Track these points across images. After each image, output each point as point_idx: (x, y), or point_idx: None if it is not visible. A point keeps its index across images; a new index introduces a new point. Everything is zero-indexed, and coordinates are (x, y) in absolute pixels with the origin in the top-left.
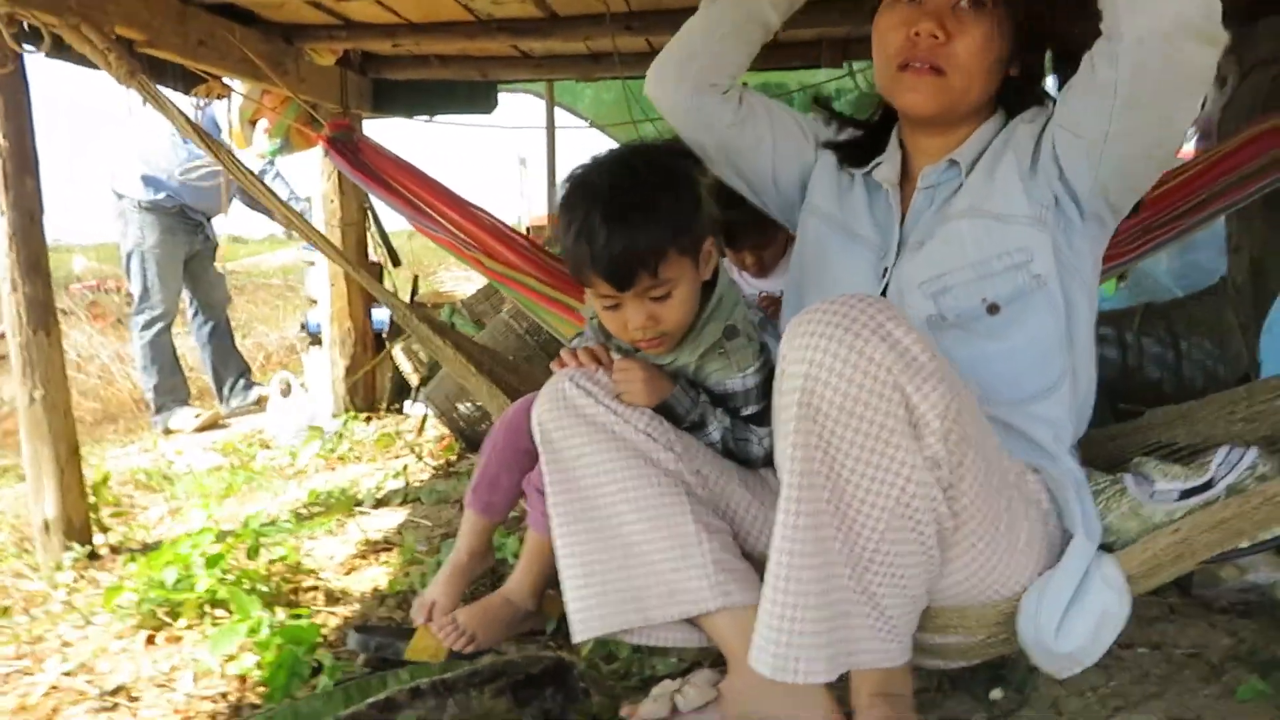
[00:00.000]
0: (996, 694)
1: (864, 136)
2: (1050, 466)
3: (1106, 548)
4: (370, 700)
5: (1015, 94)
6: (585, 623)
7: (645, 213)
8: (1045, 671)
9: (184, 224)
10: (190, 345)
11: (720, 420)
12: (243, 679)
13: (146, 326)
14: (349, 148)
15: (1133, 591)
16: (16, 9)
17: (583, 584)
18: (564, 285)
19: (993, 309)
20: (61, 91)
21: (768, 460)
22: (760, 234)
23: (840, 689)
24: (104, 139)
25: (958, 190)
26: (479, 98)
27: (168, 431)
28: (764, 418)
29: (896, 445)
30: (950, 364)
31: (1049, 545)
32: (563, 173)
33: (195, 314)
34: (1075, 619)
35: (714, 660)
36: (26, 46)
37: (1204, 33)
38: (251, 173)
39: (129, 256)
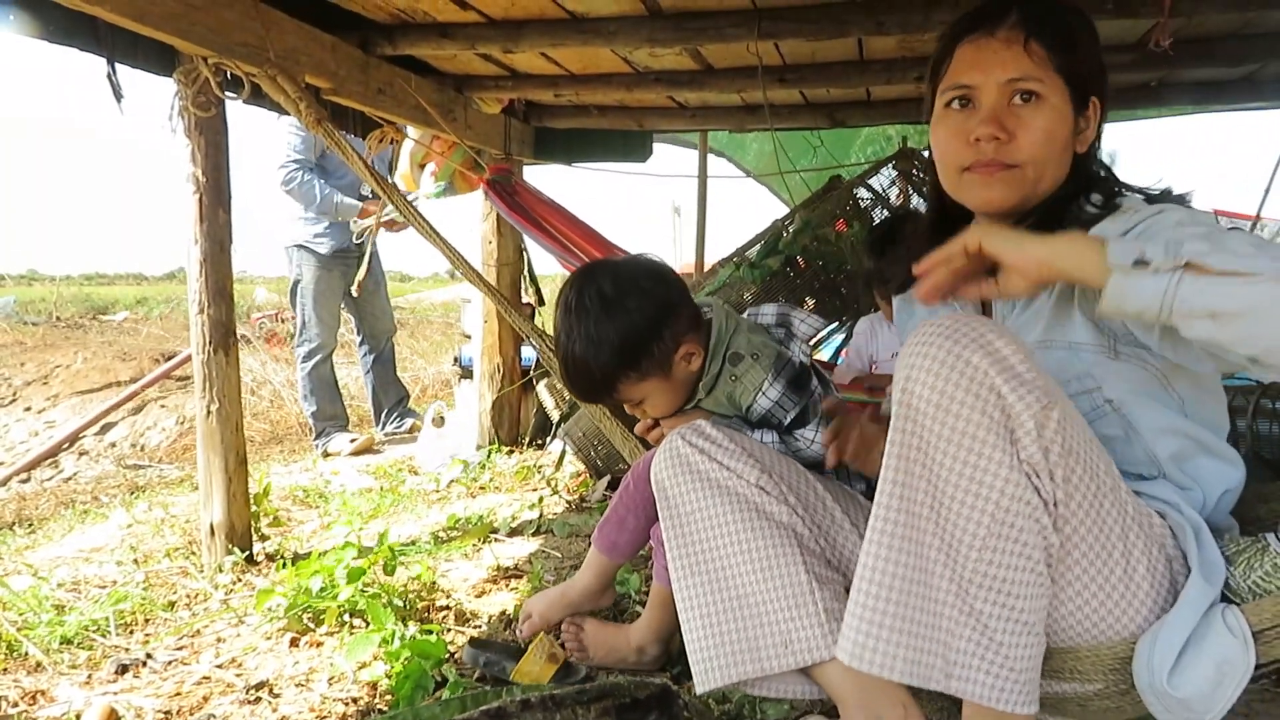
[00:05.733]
0: None
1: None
2: (1171, 512)
3: None
4: (483, 708)
5: (1084, 177)
6: (707, 674)
7: (597, 346)
8: None
9: (338, 261)
10: (356, 374)
11: (765, 440)
12: (373, 685)
13: (307, 358)
14: (507, 189)
15: (1264, 655)
16: (223, 60)
17: (702, 635)
18: None
19: None
20: (260, 132)
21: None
22: (912, 280)
23: None
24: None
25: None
26: (634, 147)
27: (326, 454)
28: (805, 418)
29: (992, 446)
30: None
31: (1173, 592)
32: (715, 223)
33: (361, 342)
34: (1192, 663)
35: (827, 712)
36: (228, 94)
37: None
38: (421, 214)
39: (291, 291)
